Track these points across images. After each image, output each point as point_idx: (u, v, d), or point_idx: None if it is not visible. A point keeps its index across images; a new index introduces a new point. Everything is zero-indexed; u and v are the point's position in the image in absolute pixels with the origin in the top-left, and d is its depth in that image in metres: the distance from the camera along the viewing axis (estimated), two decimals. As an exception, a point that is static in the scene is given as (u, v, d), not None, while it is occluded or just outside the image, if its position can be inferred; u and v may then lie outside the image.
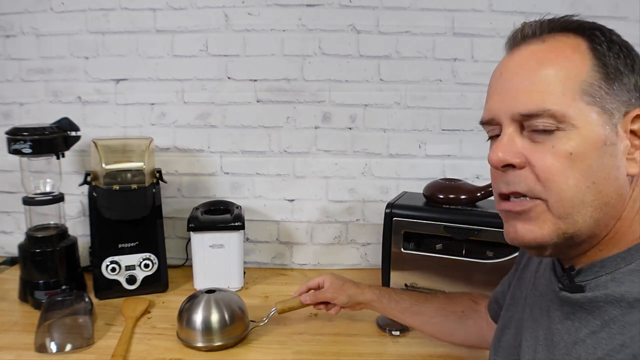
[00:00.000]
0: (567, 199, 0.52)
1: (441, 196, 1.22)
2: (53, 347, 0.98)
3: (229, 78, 1.41)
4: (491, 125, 0.59)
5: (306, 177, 1.46)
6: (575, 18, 0.56)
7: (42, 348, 0.99)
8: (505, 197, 0.57)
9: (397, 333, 1.08)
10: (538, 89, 0.53)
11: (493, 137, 0.59)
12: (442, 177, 1.36)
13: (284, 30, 1.39)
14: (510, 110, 0.55)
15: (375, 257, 1.44)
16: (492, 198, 1.21)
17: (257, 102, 1.42)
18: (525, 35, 0.57)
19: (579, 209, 0.52)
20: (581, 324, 0.54)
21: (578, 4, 1.33)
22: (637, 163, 0.53)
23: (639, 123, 0.53)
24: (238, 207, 1.37)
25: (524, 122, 0.54)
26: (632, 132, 0.53)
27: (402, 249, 1.19)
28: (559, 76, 0.53)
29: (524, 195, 0.55)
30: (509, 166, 0.55)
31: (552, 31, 0.55)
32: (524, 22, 0.58)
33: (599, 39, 0.54)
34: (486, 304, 0.92)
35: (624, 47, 0.54)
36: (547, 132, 0.52)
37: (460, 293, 1.00)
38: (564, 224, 0.53)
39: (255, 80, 1.41)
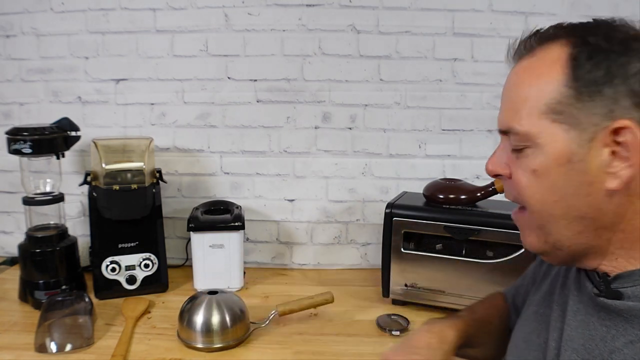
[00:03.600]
0: (537, 211, 0.56)
1: (441, 196, 1.22)
2: (53, 347, 0.99)
3: (229, 78, 1.41)
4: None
5: (306, 177, 1.46)
6: (568, 22, 0.55)
7: (42, 348, 0.99)
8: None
9: (397, 333, 1.07)
10: (509, 107, 0.57)
11: None
12: (442, 177, 1.36)
13: (284, 30, 1.39)
14: (498, 124, 0.60)
15: (375, 257, 1.43)
16: (492, 198, 1.22)
17: (257, 102, 1.42)
18: (520, 48, 0.59)
19: (550, 220, 0.55)
20: (618, 332, 0.53)
21: (578, 4, 1.33)
22: (619, 177, 0.50)
23: (625, 135, 0.49)
24: (238, 207, 1.37)
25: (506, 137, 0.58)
26: (617, 143, 0.50)
27: (402, 249, 1.19)
28: (526, 95, 0.55)
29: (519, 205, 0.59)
30: (500, 176, 0.60)
31: (543, 41, 0.56)
32: (524, 31, 0.59)
33: (586, 47, 0.51)
34: (507, 298, 0.83)
35: (614, 53, 0.51)
36: (519, 148, 0.56)
37: (489, 304, 0.85)
38: (542, 233, 0.57)
39: (255, 80, 1.41)
